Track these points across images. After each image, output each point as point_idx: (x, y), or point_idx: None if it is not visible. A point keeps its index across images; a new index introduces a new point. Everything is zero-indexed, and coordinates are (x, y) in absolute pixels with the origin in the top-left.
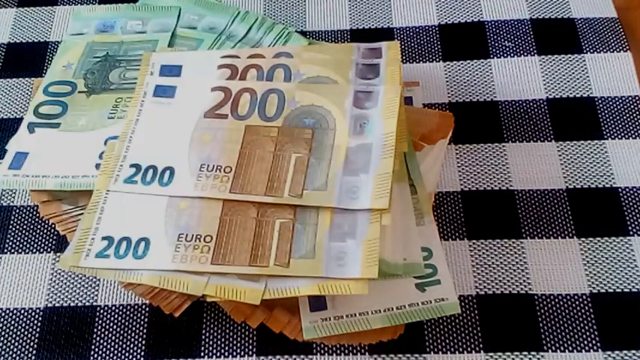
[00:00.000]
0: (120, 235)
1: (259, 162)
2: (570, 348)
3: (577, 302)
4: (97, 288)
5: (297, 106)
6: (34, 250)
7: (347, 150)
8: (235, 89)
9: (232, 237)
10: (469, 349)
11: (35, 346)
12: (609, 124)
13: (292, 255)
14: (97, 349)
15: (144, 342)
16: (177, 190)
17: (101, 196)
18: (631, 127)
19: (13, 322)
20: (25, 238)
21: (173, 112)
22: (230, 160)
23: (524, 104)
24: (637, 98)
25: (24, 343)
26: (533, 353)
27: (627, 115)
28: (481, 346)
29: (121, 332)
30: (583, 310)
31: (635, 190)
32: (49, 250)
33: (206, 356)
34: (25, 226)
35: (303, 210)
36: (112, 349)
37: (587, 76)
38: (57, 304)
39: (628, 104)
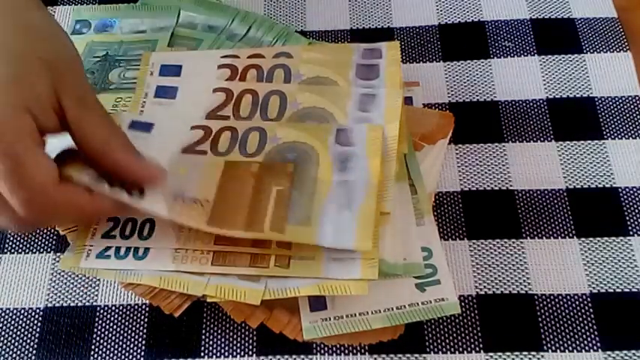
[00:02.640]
0: None
1: (238, 196)
2: (570, 348)
3: (577, 302)
4: (97, 288)
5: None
6: (34, 250)
7: (330, 184)
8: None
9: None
10: (469, 349)
11: (35, 346)
12: (609, 124)
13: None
14: (97, 349)
15: (144, 342)
16: (150, 209)
17: None
18: (631, 127)
19: (13, 322)
20: (25, 238)
21: (149, 145)
22: (207, 193)
23: (524, 104)
24: (637, 98)
25: (24, 343)
26: (533, 353)
27: (627, 115)
28: (481, 346)
29: (121, 332)
30: (583, 310)
31: (635, 190)
32: (49, 250)
33: (206, 356)
34: None
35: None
36: (112, 349)
37: (587, 76)
38: (57, 304)
39: (628, 104)
